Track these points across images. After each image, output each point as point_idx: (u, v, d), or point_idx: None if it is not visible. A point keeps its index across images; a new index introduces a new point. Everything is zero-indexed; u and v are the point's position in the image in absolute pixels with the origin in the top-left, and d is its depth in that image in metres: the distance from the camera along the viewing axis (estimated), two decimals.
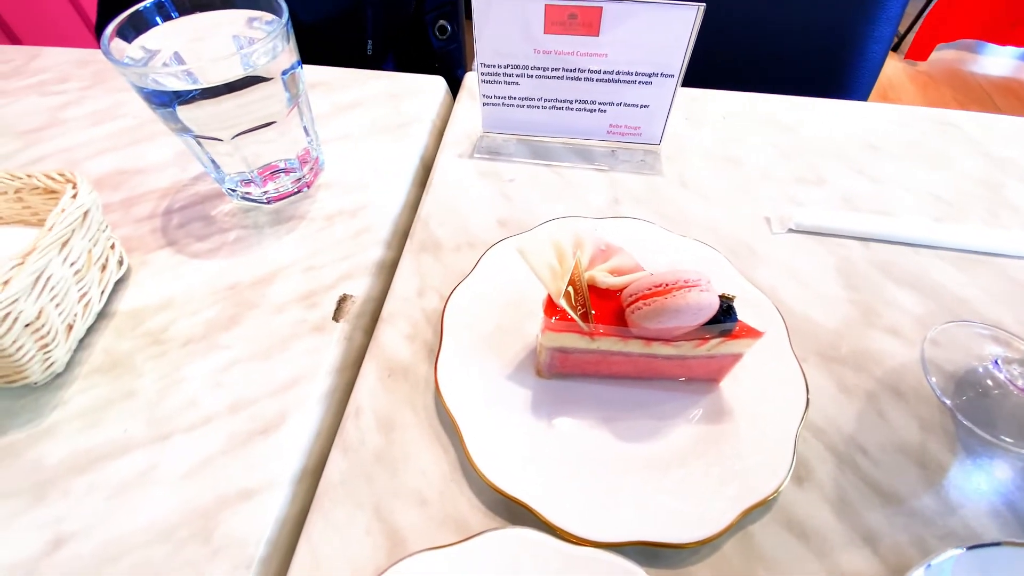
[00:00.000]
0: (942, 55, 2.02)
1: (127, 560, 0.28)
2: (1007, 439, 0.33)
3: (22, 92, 0.58)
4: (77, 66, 0.61)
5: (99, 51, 0.63)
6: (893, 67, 2.03)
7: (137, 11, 0.37)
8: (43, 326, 0.32)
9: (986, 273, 0.41)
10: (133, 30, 0.37)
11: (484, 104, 0.49)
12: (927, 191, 0.47)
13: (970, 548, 0.26)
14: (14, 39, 1.24)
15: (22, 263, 0.31)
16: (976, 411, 0.34)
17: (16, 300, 0.30)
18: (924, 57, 1.98)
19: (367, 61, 0.76)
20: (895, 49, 2.09)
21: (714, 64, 0.61)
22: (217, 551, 0.29)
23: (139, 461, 0.32)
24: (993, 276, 0.41)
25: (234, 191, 0.45)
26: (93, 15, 1.34)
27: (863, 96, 0.76)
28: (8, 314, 0.30)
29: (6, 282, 0.30)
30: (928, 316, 0.38)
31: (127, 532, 0.29)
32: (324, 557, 0.29)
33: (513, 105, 0.49)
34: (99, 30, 0.77)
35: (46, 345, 0.33)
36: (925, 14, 1.93)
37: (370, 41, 0.74)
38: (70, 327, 0.35)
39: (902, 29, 2.06)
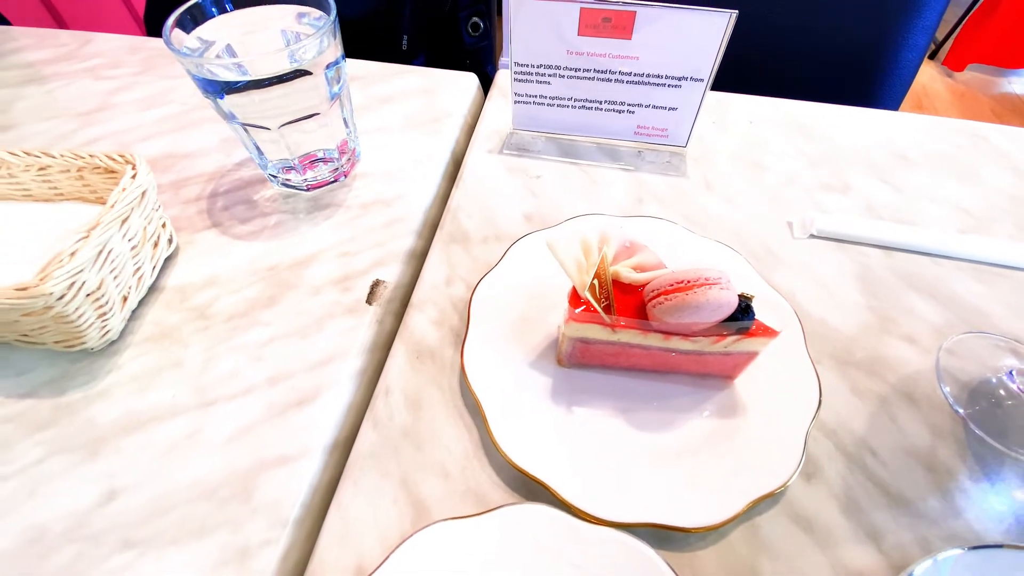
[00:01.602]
0: (980, 67, 1.97)
1: (174, 514, 0.31)
2: (1018, 450, 0.33)
3: (77, 75, 0.61)
4: (128, 52, 0.64)
5: (149, 39, 0.66)
6: (929, 75, 1.99)
7: (197, 3, 0.39)
8: (102, 296, 0.35)
9: (1006, 286, 0.41)
10: (192, 21, 0.40)
11: (515, 102, 0.51)
12: (953, 203, 0.47)
13: (971, 548, 0.27)
14: (62, 24, 1.29)
15: (87, 236, 0.33)
16: (988, 421, 0.34)
17: (81, 270, 0.33)
18: (960, 68, 1.93)
19: (400, 56, 0.78)
20: (932, 57, 2.04)
21: (742, 68, 0.61)
22: (256, 510, 0.31)
23: (185, 425, 0.34)
24: (1013, 290, 0.41)
25: (275, 177, 0.47)
26: (137, 2, 1.39)
27: (895, 104, 0.75)
28: (73, 283, 0.33)
29: (73, 253, 0.33)
30: (945, 326, 0.39)
31: (174, 489, 0.32)
32: (353, 521, 0.31)
33: (544, 104, 0.50)
34: (148, 19, 0.80)
35: (104, 314, 0.36)
36: (962, 25, 1.88)
37: (405, 36, 0.76)
38: (125, 298, 0.38)
39: (940, 36, 2.01)
